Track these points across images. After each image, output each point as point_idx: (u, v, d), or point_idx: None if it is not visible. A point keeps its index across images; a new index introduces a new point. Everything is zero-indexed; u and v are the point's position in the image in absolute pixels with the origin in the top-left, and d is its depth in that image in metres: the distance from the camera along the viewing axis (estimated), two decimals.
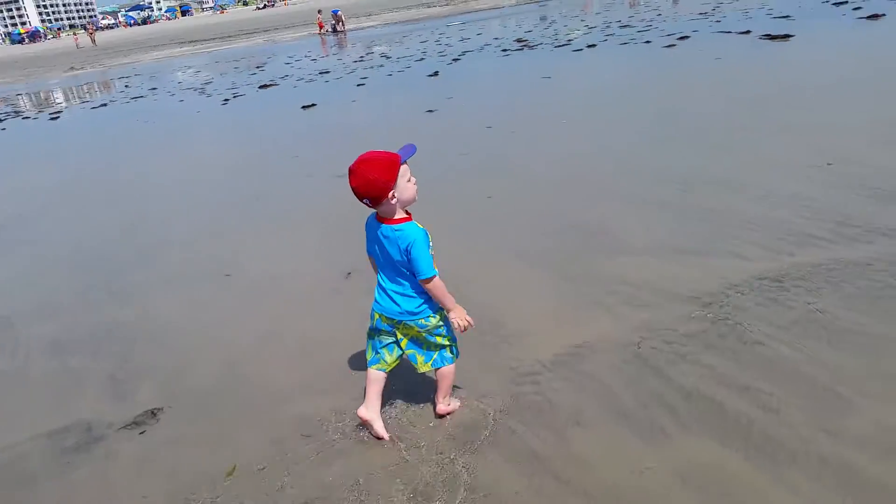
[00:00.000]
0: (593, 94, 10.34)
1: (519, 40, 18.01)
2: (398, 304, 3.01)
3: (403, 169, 2.86)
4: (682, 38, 13.99)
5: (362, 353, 3.79)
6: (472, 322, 3.04)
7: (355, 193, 2.81)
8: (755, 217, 4.80)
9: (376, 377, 3.20)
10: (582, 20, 21.25)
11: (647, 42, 14.26)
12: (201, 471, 3.12)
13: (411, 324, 3.05)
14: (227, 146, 10.68)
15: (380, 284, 3.06)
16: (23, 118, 18.04)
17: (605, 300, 4.03)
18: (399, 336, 3.11)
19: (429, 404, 3.31)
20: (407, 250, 2.88)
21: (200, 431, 3.43)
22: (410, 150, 2.93)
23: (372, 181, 2.77)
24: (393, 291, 3.01)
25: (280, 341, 4.18)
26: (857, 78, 8.50)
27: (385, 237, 2.92)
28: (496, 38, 19.42)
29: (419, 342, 3.12)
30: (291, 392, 3.61)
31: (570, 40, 16.56)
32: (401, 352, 3.17)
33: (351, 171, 2.80)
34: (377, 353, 3.19)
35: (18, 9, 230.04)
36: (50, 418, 3.70)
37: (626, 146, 7.10)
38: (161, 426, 3.52)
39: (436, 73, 14.53)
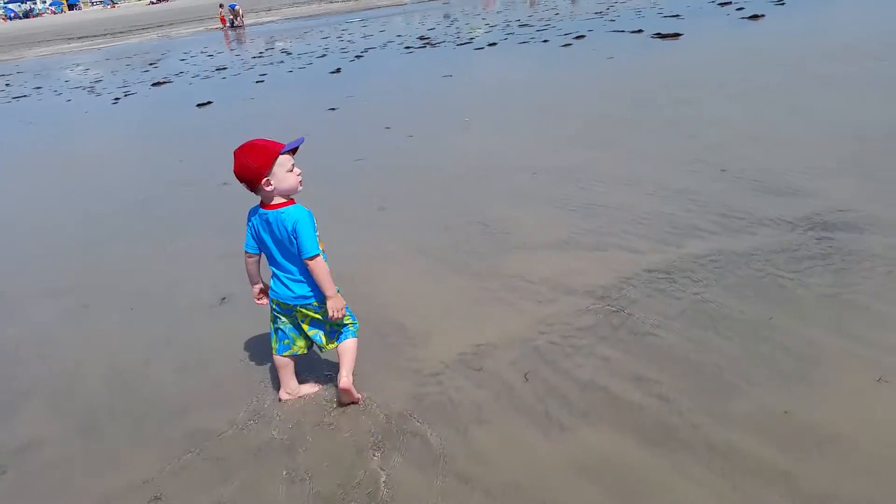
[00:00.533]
0: (493, 92, 10.47)
1: (422, 38, 18.04)
2: (291, 290, 3.09)
3: (283, 159, 2.96)
4: (578, 37, 14.37)
5: (257, 364, 3.72)
6: (343, 314, 3.12)
7: (238, 176, 2.97)
8: (645, 211, 4.98)
9: (285, 362, 3.32)
10: (483, 19, 21.50)
11: (545, 41, 14.58)
12: (91, 493, 2.94)
13: (307, 308, 3.12)
14: (113, 149, 10.14)
15: (273, 272, 3.13)
16: None
17: (505, 296, 4.07)
18: (300, 319, 3.18)
19: (328, 409, 3.25)
20: (294, 229, 2.96)
21: (90, 451, 3.24)
22: (297, 141, 3.04)
23: (246, 166, 2.93)
24: (286, 277, 3.09)
25: (168, 354, 4.00)
26: (740, 75, 8.98)
27: (271, 222, 3.00)
28: (399, 36, 19.38)
29: (320, 323, 3.20)
30: (184, 406, 3.46)
31: (471, 38, 16.72)
32: (306, 335, 3.24)
33: (234, 153, 2.96)
34: (283, 341, 3.25)
35: None
36: None
37: (523, 144, 7.23)
38: (48, 447, 3.31)
39: (338, 70, 14.34)
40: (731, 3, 16.42)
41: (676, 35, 12.83)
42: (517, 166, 6.46)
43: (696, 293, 3.81)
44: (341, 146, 8.03)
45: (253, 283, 3.29)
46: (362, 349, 3.29)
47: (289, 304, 3.12)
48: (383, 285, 4.41)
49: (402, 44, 17.46)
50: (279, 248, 3.04)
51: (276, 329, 3.26)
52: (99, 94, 15.90)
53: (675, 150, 6.31)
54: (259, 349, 3.82)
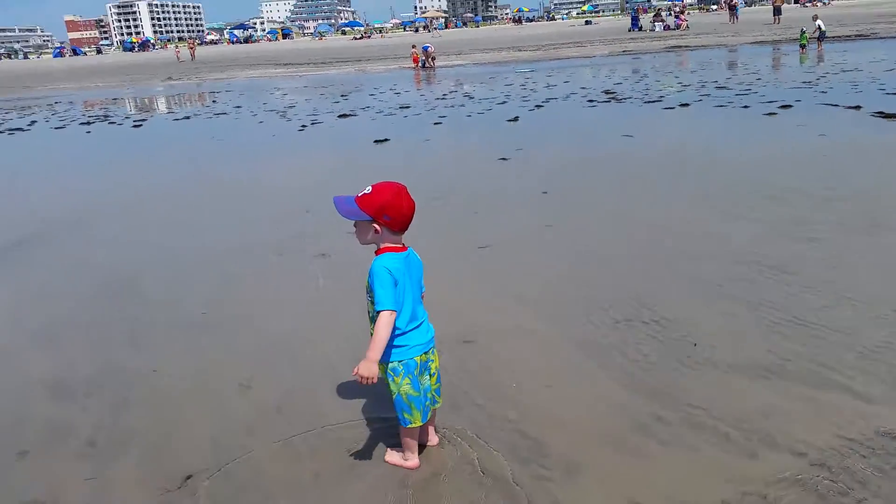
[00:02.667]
0: (680, 158, 9.42)
1: (607, 91, 17.31)
2: (431, 330, 2.99)
3: None
4: (783, 106, 12.97)
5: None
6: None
7: (412, 213, 2.86)
8: (877, 343, 3.89)
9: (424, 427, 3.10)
10: (676, 77, 20.36)
11: (746, 107, 13.31)
12: None
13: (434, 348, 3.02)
14: (278, 178, 10.12)
15: (420, 319, 2.91)
16: (109, 123, 18.48)
17: (682, 434, 3.22)
18: (433, 370, 2.99)
19: None
20: (420, 266, 2.95)
21: None
22: None
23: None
24: (427, 319, 2.97)
25: (279, 422, 3.55)
26: None
27: (413, 261, 2.89)
28: (584, 88, 18.75)
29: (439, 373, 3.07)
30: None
31: (661, 97, 15.75)
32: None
33: (401, 192, 2.85)
34: (426, 403, 2.96)
35: (136, 19, 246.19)
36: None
37: (712, 225, 6.25)
38: None
39: (516, 119, 13.97)
40: None
41: None
42: (705, 253, 5.53)
43: None
44: (500, 206, 7.49)
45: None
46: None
47: (430, 349, 2.95)
48: (529, 385, 3.72)
49: (585, 97, 16.82)
50: (419, 288, 2.93)
51: (418, 395, 2.91)
52: (289, 120, 16.68)
53: None
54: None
